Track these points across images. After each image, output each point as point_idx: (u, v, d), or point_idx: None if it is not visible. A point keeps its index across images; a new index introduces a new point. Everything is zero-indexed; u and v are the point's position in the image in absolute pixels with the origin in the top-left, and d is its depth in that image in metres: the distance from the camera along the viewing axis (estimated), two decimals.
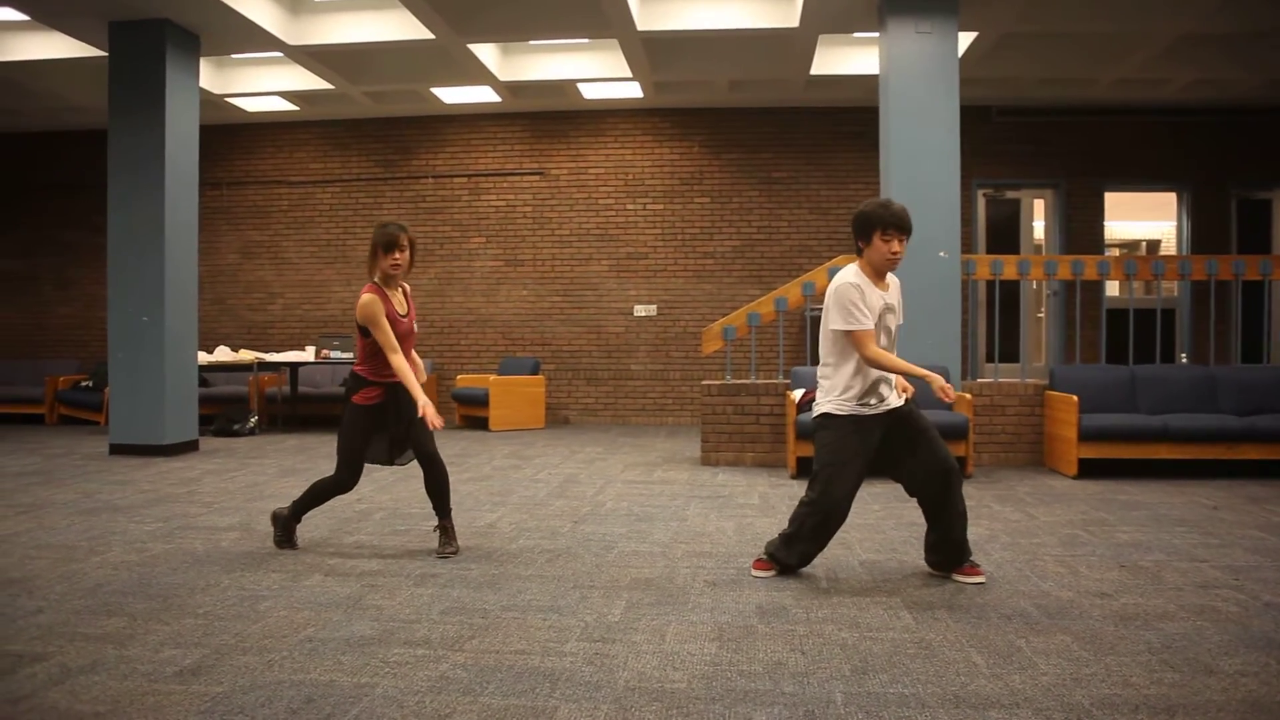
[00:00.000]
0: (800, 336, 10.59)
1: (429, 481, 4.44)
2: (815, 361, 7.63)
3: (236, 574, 4.09)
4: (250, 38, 8.57)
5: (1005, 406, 7.58)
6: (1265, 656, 3.05)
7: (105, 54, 8.34)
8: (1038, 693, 2.75)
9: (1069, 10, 8.08)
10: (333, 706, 2.65)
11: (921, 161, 7.49)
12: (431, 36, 8.67)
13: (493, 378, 10.33)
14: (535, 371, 10.65)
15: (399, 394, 4.34)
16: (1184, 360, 10.35)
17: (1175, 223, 11.35)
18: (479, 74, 9.80)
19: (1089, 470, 6.91)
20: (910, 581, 4.00)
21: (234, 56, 9.97)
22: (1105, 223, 11.08)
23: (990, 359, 10.04)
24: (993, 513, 5.55)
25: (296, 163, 11.82)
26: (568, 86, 10.45)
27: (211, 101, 10.36)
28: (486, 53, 9.54)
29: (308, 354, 10.21)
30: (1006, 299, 8.97)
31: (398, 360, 4.24)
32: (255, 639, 3.22)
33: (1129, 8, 8.02)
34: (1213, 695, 2.73)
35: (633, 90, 10.53)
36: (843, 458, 3.90)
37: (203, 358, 9.70)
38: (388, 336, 4.23)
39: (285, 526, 4.58)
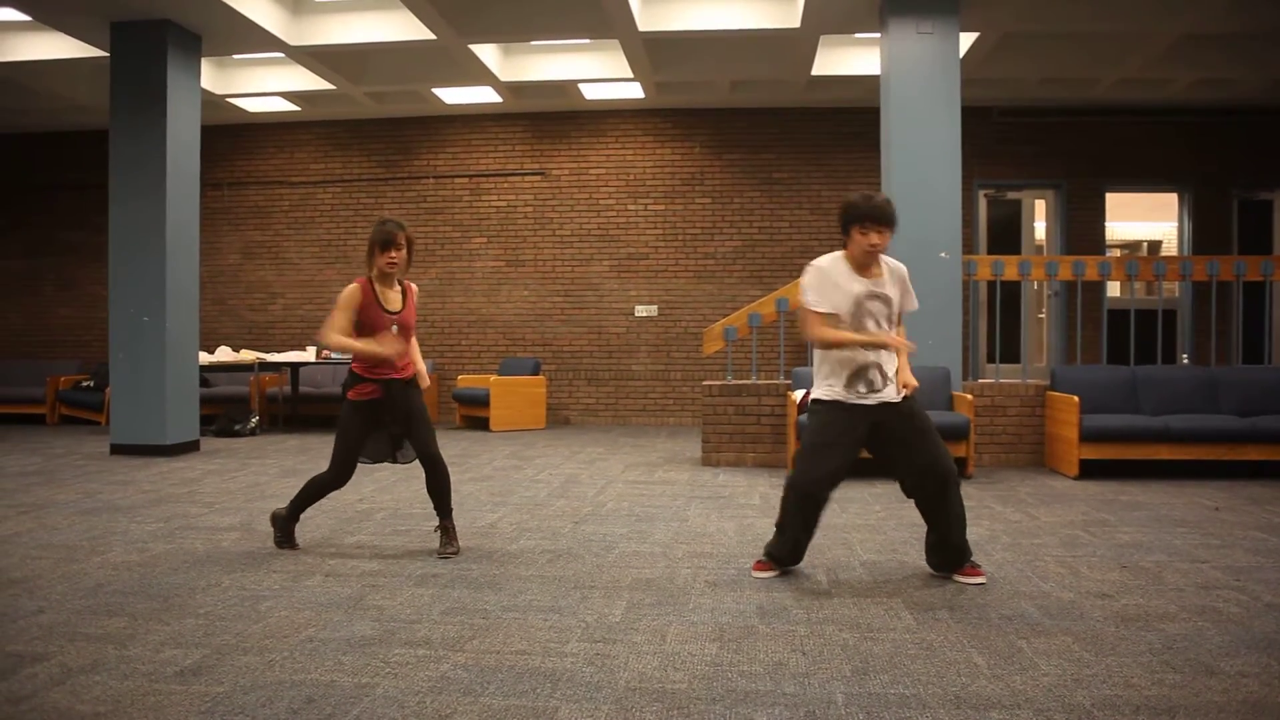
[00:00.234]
0: (801, 337, 10.57)
1: (431, 482, 4.44)
2: None
3: (237, 574, 4.09)
4: (251, 38, 8.58)
5: (1006, 407, 7.58)
6: (1266, 657, 3.05)
7: (107, 54, 8.35)
8: (1039, 693, 2.75)
9: (1070, 10, 8.07)
10: (333, 707, 2.65)
11: (922, 162, 7.49)
12: (433, 37, 8.67)
13: (493, 378, 10.33)
14: (536, 372, 10.65)
15: (395, 391, 4.35)
16: (1185, 361, 10.33)
17: (1177, 223, 11.34)
18: (480, 74, 9.81)
19: (1090, 471, 6.90)
20: (911, 582, 4.00)
21: (235, 57, 9.97)
22: (1106, 223, 11.08)
23: (991, 359, 10.04)
24: (994, 513, 5.55)
25: (298, 163, 11.82)
26: (569, 87, 10.45)
27: (213, 102, 10.36)
28: (487, 53, 9.54)
29: (309, 354, 10.22)
30: (1008, 300, 8.97)
31: (327, 338, 4.25)
32: (256, 639, 3.22)
33: (1130, 8, 8.01)
34: (1214, 696, 2.73)
35: (634, 91, 10.53)
36: (825, 439, 3.92)
37: (204, 358, 9.71)
38: (335, 320, 4.25)
39: (284, 527, 4.59)
